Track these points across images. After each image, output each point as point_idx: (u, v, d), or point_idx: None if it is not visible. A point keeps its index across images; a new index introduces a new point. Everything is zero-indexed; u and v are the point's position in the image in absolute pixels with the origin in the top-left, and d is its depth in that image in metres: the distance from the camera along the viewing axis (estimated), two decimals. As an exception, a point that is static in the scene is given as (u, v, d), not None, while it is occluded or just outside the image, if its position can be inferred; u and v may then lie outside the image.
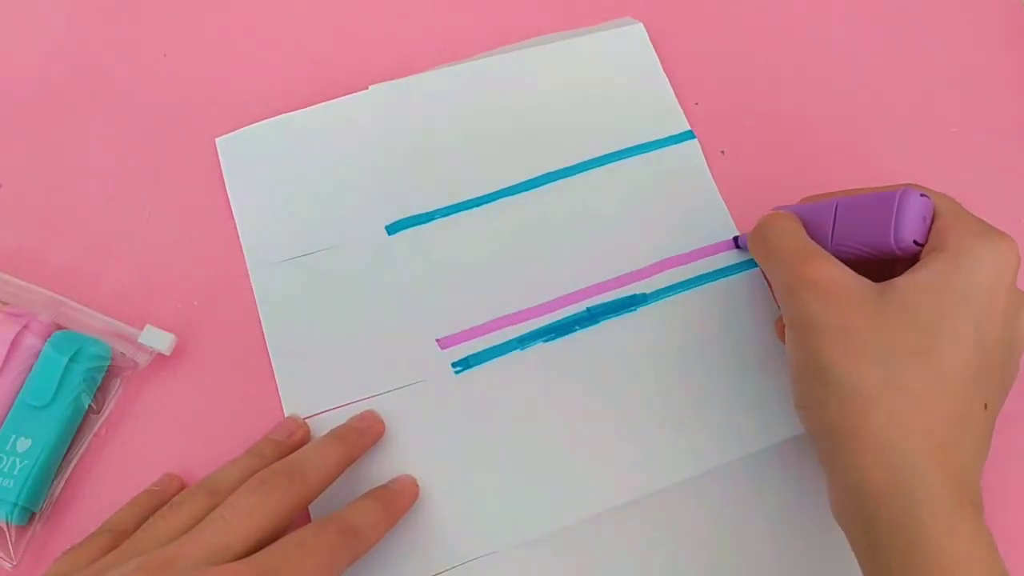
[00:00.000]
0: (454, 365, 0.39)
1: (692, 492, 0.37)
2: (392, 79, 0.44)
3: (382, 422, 0.38)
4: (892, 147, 0.45)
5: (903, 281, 0.31)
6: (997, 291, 0.30)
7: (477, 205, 0.42)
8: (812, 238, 0.34)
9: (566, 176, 0.43)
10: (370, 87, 0.44)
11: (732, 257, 0.42)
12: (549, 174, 0.43)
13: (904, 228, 0.32)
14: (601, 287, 0.41)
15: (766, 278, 0.39)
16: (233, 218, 0.42)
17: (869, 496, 0.29)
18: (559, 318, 0.40)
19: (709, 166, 0.44)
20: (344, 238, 0.41)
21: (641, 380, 0.39)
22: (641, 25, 0.46)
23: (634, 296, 0.40)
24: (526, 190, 0.43)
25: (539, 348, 0.39)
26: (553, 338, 0.40)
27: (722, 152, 0.44)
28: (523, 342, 0.40)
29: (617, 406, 0.38)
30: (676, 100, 0.45)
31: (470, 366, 0.39)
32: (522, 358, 0.39)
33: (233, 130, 0.43)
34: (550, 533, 0.36)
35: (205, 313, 0.41)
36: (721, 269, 0.41)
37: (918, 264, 0.31)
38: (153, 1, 0.47)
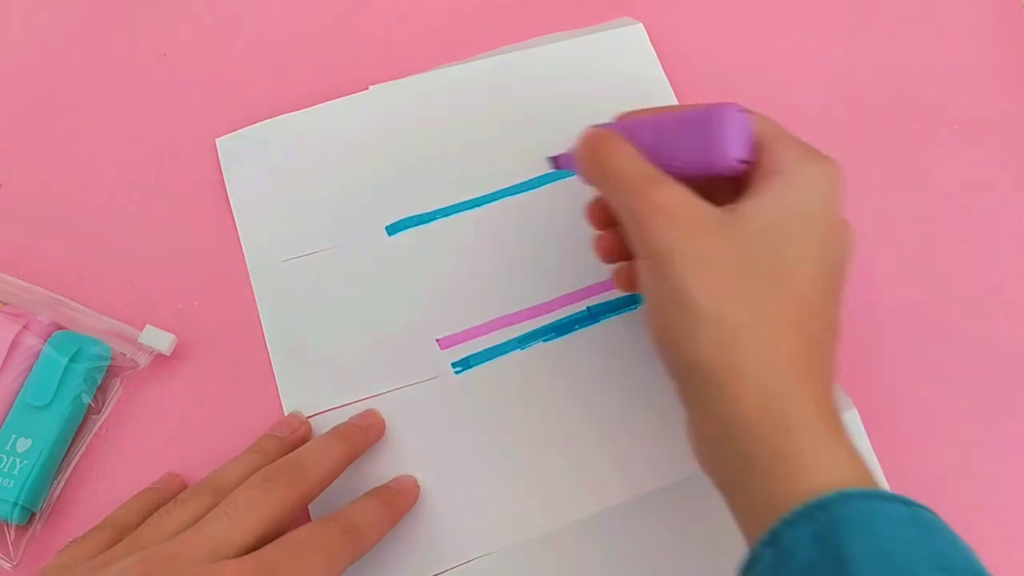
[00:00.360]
0: (454, 365, 0.39)
1: (693, 491, 0.37)
2: (392, 79, 0.44)
3: (383, 421, 0.38)
4: (893, 144, 0.45)
5: (750, 207, 0.29)
6: (831, 208, 0.30)
7: (477, 205, 0.42)
8: None
9: (566, 176, 0.43)
10: (370, 87, 0.44)
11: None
12: (549, 175, 0.43)
13: (728, 146, 0.30)
14: (602, 286, 0.41)
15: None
16: (233, 218, 0.42)
17: (743, 427, 0.28)
18: (559, 317, 0.40)
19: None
20: (344, 238, 0.41)
21: (643, 378, 0.39)
22: (641, 25, 0.46)
23: (634, 294, 0.40)
24: (526, 190, 0.43)
25: (539, 348, 0.39)
26: (553, 337, 0.40)
27: (722, 152, 0.44)
28: (523, 342, 0.40)
29: (618, 405, 0.38)
30: (676, 100, 0.45)
31: (470, 366, 0.39)
32: (522, 358, 0.39)
33: (233, 130, 0.43)
34: (550, 533, 0.36)
35: (205, 313, 0.41)
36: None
37: (756, 188, 0.30)
38: (153, 1, 0.47)
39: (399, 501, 0.36)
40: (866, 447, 0.38)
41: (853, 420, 0.38)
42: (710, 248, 0.29)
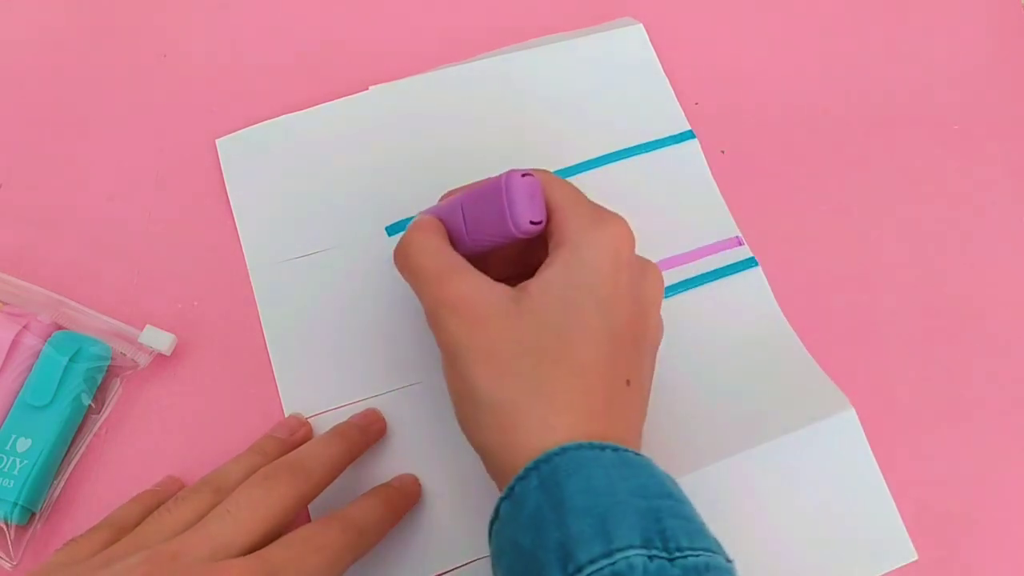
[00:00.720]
0: (454, 365, 0.39)
1: (693, 491, 0.37)
2: (392, 79, 0.45)
3: (383, 420, 0.38)
4: (893, 144, 0.45)
5: (534, 284, 0.31)
6: (617, 272, 0.32)
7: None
8: (453, 239, 0.34)
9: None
10: (370, 87, 0.44)
11: (732, 256, 0.42)
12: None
13: (516, 212, 0.32)
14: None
15: None
16: (233, 218, 0.42)
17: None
18: (559, 318, 0.40)
19: (709, 165, 0.44)
20: (344, 238, 0.41)
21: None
22: (641, 25, 0.46)
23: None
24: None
25: (539, 348, 0.39)
26: None
27: (722, 152, 0.44)
28: (523, 342, 0.39)
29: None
30: (676, 100, 0.45)
31: (470, 366, 0.39)
32: (522, 358, 0.39)
33: (233, 131, 0.43)
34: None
35: (205, 313, 0.41)
36: (721, 268, 0.41)
37: (545, 263, 0.32)
38: (153, 2, 0.47)
39: (401, 500, 0.36)
40: (863, 447, 0.38)
41: (850, 420, 0.38)
42: (493, 339, 0.31)
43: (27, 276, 0.40)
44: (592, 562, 0.26)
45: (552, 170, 0.43)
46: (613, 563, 0.26)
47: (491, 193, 0.32)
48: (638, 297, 0.32)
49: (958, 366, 0.41)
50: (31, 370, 0.38)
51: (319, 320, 0.40)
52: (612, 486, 0.28)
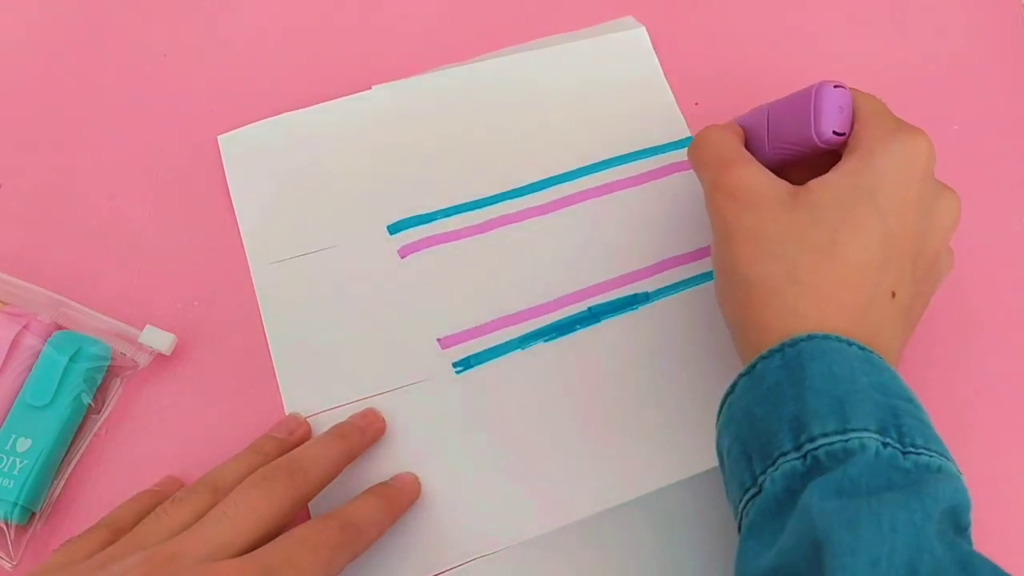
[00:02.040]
0: (455, 365, 0.39)
1: (694, 491, 0.37)
2: (393, 79, 0.45)
3: (383, 420, 0.38)
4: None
5: (816, 183, 0.32)
6: (906, 184, 0.32)
7: (479, 207, 0.42)
8: (751, 146, 0.36)
9: (566, 180, 0.43)
10: (371, 87, 0.44)
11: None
12: (550, 179, 0.43)
13: (822, 121, 0.33)
14: (602, 286, 0.41)
15: None
16: (234, 217, 0.42)
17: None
18: (560, 317, 0.40)
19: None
20: (345, 238, 0.41)
21: (643, 379, 0.39)
22: (643, 28, 0.46)
23: (636, 295, 0.40)
24: (527, 193, 0.43)
25: (540, 348, 0.39)
26: (554, 337, 0.40)
27: (723, 152, 0.44)
28: (524, 342, 0.39)
29: (619, 405, 0.38)
30: (676, 106, 0.45)
31: (471, 366, 0.39)
32: (523, 358, 0.39)
33: (234, 129, 0.43)
34: (550, 533, 0.36)
35: (205, 313, 0.41)
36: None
37: (836, 165, 0.33)
38: (155, 1, 0.47)
39: (399, 499, 0.36)
40: None
41: None
42: (761, 223, 0.32)
43: (27, 276, 0.40)
44: (825, 435, 0.27)
45: (552, 175, 0.43)
46: (846, 440, 0.27)
47: (799, 102, 0.34)
48: (925, 215, 0.32)
49: (958, 367, 0.41)
50: (31, 370, 0.38)
51: (320, 319, 0.40)
52: (854, 376, 0.28)
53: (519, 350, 0.39)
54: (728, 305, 0.33)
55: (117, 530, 0.33)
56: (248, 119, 0.43)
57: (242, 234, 0.42)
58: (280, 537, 0.31)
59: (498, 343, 0.39)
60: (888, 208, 0.31)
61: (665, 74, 0.46)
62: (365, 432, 0.37)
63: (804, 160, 0.35)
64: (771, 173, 0.33)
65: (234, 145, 0.43)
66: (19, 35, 0.46)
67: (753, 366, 0.30)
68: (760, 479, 0.28)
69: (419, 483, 0.37)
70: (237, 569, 0.29)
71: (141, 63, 0.46)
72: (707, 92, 0.46)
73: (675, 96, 0.45)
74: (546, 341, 0.40)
